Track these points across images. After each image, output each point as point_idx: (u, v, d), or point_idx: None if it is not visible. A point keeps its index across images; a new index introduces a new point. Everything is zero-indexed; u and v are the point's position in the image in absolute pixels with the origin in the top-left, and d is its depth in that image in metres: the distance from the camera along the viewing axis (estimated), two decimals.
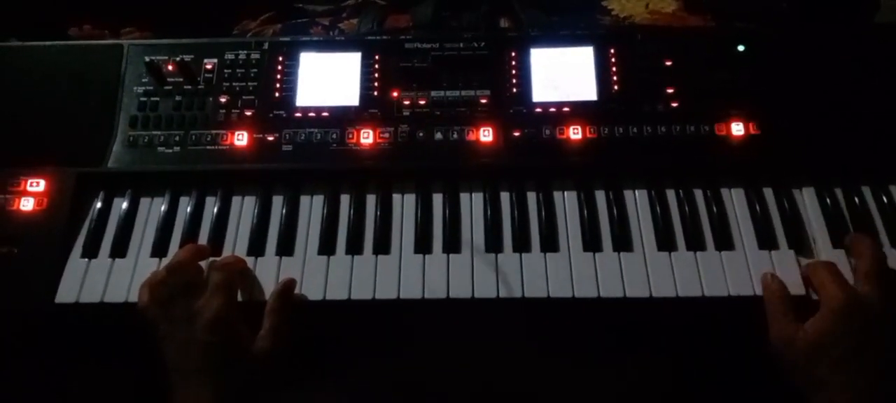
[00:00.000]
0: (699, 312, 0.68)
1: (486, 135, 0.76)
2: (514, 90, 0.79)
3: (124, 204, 0.75)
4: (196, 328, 0.60)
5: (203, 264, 0.68)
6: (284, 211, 0.74)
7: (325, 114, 0.77)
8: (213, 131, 0.76)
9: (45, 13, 0.98)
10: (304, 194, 0.75)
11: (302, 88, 0.79)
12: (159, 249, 0.72)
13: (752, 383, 0.76)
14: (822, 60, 0.80)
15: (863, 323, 0.60)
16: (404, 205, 0.74)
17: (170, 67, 0.80)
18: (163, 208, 0.74)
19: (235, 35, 1.02)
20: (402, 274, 0.69)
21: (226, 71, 0.80)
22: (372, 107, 0.78)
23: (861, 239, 0.68)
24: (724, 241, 0.71)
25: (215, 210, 0.74)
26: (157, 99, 0.79)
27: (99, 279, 0.69)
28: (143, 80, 0.80)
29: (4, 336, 0.70)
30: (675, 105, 0.77)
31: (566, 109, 0.77)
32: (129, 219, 0.74)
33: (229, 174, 0.76)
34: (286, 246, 0.71)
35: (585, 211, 0.72)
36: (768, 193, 0.74)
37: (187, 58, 0.80)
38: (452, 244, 0.71)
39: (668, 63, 0.79)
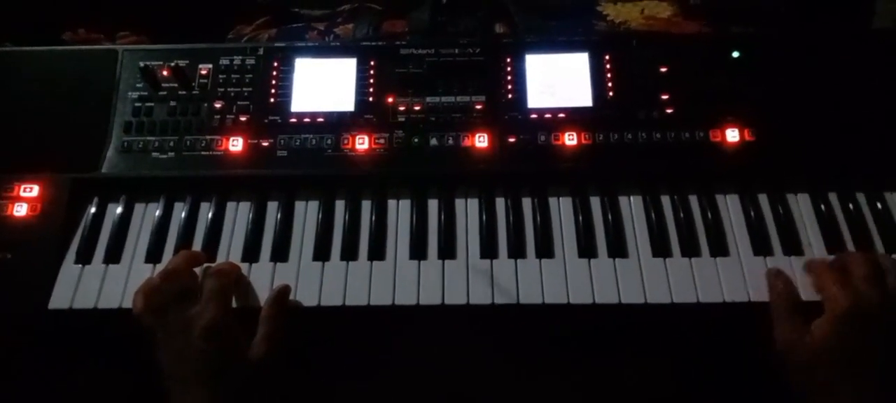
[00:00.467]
0: (694, 318, 0.67)
1: (481, 141, 0.76)
2: (510, 96, 0.79)
3: (118, 210, 0.74)
4: (191, 335, 0.60)
5: (197, 270, 0.67)
6: (279, 217, 0.73)
7: (320, 119, 0.77)
8: (208, 137, 0.76)
9: (41, 17, 0.98)
10: (299, 200, 0.75)
11: (297, 94, 0.79)
12: (153, 255, 0.72)
13: (748, 389, 0.76)
14: (817, 66, 0.80)
15: (868, 326, 0.60)
16: (399, 211, 0.74)
17: (165, 73, 0.79)
18: (157, 214, 0.74)
19: (231, 40, 1.02)
20: (397, 280, 0.69)
21: (221, 76, 0.80)
22: (367, 112, 0.78)
23: (850, 254, 0.68)
24: (719, 247, 0.71)
25: (210, 216, 0.74)
26: (152, 104, 0.78)
27: (93, 285, 0.69)
28: (138, 86, 0.79)
29: None
30: (670, 111, 0.77)
31: (561, 115, 0.77)
32: (123, 225, 0.74)
33: (224, 180, 0.75)
34: (281, 253, 0.71)
35: (580, 217, 0.72)
36: (763, 199, 0.74)
37: (182, 63, 0.80)
38: (448, 250, 0.71)
39: (664, 69, 0.79)
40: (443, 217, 0.73)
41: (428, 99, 0.78)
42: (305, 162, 0.75)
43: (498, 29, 0.99)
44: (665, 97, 0.77)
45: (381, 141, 0.76)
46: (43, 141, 0.77)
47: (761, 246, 0.71)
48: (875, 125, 0.76)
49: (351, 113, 0.78)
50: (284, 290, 0.67)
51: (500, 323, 0.70)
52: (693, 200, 0.74)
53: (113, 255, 0.72)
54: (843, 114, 0.76)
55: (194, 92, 0.79)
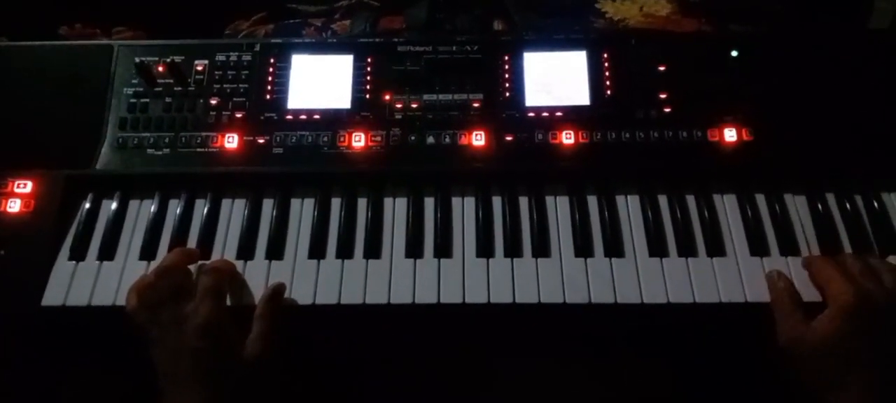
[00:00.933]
0: (690, 318, 0.67)
1: (478, 139, 0.75)
2: (507, 94, 0.78)
3: (113, 207, 0.74)
4: (185, 333, 0.60)
5: (192, 268, 0.67)
6: (274, 214, 0.73)
7: (316, 116, 0.77)
8: (204, 133, 0.76)
9: (36, 12, 0.98)
10: (295, 197, 0.74)
11: (293, 90, 0.78)
12: (148, 252, 0.71)
13: (744, 389, 0.76)
14: (815, 67, 0.80)
15: (872, 318, 0.60)
16: (396, 209, 0.74)
17: (160, 68, 0.79)
18: (152, 211, 0.74)
19: (227, 36, 1.01)
20: (392, 278, 0.69)
21: (217, 72, 0.79)
22: (364, 109, 0.77)
23: (846, 255, 0.68)
24: (716, 247, 0.70)
25: (205, 212, 0.73)
26: (147, 100, 0.78)
27: (86, 282, 0.69)
28: (133, 82, 0.79)
29: None
30: (667, 110, 0.76)
31: (559, 114, 0.77)
32: (117, 222, 0.73)
33: (219, 177, 0.75)
34: (276, 250, 0.71)
35: (577, 217, 0.72)
36: (760, 199, 0.74)
37: (178, 59, 0.79)
38: (444, 249, 0.71)
39: (662, 68, 0.79)
40: (439, 215, 0.73)
41: (425, 96, 0.78)
42: (301, 159, 0.75)
43: (496, 26, 0.98)
44: (663, 96, 0.77)
45: (378, 138, 0.76)
46: (37, 136, 0.77)
47: (758, 247, 0.70)
48: (872, 126, 0.76)
49: (347, 110, 0.77)
50: (279, 288, 0.67)
51: (495, 322, 0.69)
52: (690, 200, 0.74)
53: (107, 252, 0.71)
54: (840, 115, 0.76)
55: (190, 88, 0.79)
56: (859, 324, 0.60)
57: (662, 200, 0.74)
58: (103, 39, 0.95)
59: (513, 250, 0.70)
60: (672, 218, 0.72)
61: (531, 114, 0.77)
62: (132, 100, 0.78)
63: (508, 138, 0.75)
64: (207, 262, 0.69)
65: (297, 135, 0.76)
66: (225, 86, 0.78)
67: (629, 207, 0.73)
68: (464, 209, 0.74)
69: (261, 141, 0.75)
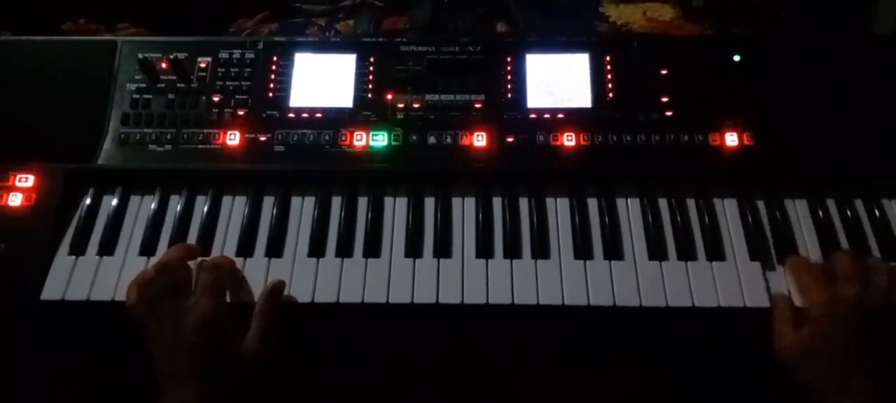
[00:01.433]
0: (689, 322, 0.67)
1: (479, 139, 0.76)
2: (509, 95, 0.78)
3: (114, 202, 0.74)
4: (184, 328, 0.60)
5: (192, 264, 0.67)
6: (275, 212, 0.73)
7: (318, 115, 0.77)
8: (206, 130, 0.76)
9: (40, 7, 0.98)
10: (296, 195, 0.75)
11: (296, 89, 0.79)
12: (148, 248, 0.71)
13: (743, 393, 0.76)
14: (817, 72, 0.79)
15: (853, 324, 0.60)
16: (396, 209, 0.74)
17: (163, 65, 0.79)
18: (152, 206, 0.74)
19: (231, 34, 1.02)
20: (391, 278, 0.69)
21: (219, 70, 0.79)
22: (366, 109, 0.77)
23: (840, 253, 0.68)
24: (716, 252, 0.70)
25: (205, 209, 0.73)
26: (150, 96, 0.78)
27: (86, 276, 0.69)
28: (136, 78, 0.79)
29: None
30: (669, 114, 0.76)
31: (560, 116, 0.77)
32: (118, 217, 0.73)
33: (220, 174, 0.75)
34: (276, 248, 0.71)
35: (577, 219, 0.72)
36: (761, 204, 0.74)
37: (181, 56, 0.80)
38: (443, 249, 0.71)
39: (664, 71, 0.79)
40: (439, 215, 0.73)
41: (427, 96, 0.78)
42: (303, 157, 0.75)
43: (499, 28, 0.99)
44: (665, 99, 0.77)
45: (380, 138, 0.76)
46: (39, 131, 0.77)
47: (758, 252, 0.70)
48: (874, 132, 0.75)
49: (349, 109, 0.77)
50: (278, 286, 0.67)
51: (493, 323, 0.69)
52: (690, 204, 0.74)
53: (107, 247, 0.71)
54: (842, 121, 0.76)
55: (193, 85, 0.79)
56: (839, 330, 0.60)
57: (663, 203, 0.74)
58: (107, 35, 0.95)
59: (512, 251, 0.70)
60: (672, 222, 0.72)
61: (533, 116, 0.77)
62: (135, 96, 0.78)
63: (510, 139, 0.76)
64: (207, 259, 0.69)
65: (299, 133, 0.76)
66: (227, 83, 0.79)
67: (629, 210, 0.73)
68: (464, 209, 0.74)
69: (262, 138, 0.76)
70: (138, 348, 0.61)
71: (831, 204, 0.74)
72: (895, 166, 0.75)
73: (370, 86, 0.79)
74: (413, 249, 0.71)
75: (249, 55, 0.80)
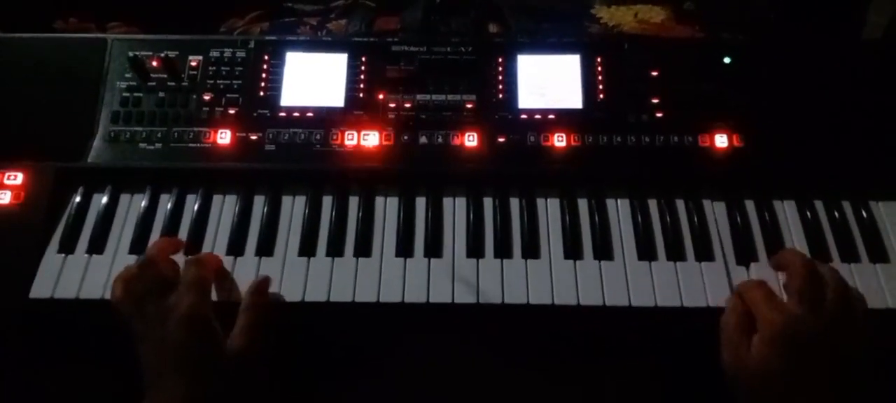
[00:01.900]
0: (677, 322, 0.68)
1: (470, 140, 0.76)
2: (500, 96, 0.79)
3: (103, 200, 0.74)
4: (169, 324, 0.60)
5: (177, 258, 0.67)
6: (266, 211, 0.73)
7: (309, 114, 0.77)
8: (196, 129, 0.76)
9: (31, 5, 0.97)
10: (286, 194, 0.75)
11: (287, 88, 0.79)
12: (138, 246, 0.71)
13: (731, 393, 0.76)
14: (807, 75, 0.80)
15: (802, 343, 0.59)
16: (387, 209, 0.74)
17: (154, 63, 0.79)
18: (142, 205, 0.74)
19: (223, 33, 1.01)
20: (382, 277, 0.69)
21: (210, 68, 0.79)
22: (357, 108, 0.78)
23: (788, 254, 0.67)
24: (705, 252, 0.71)
25: (195, 208, 0.73)
26: (140, 95, 0.78)
27: (75, 275, 0.69)
28: (127, 76, 0.79)
29: None
30: (659, 115, 0.77)
31: (551, 117, 0.77)
32: (107, 215, 0.73)
33: (211, 172, 0.75)
34: (266, 247, 0.71)
35: (567, 219, 0.72)
36: (750, 205, 0.74)
37: (172, 54, 0.79)
38: (434, 248, 0.71)
39: (654, 73, 0.79)
40: (430, 215, 0.73)
41: (418, 96, 0.78)
42: (293, 156, 0.75)
43: (491, 29, 0.99)
44: (655, 101, 0.78)
45: (371, 137, 0.76)
46: (29, 129, 0.77)
47: (746, 253, 0.71)
48: (862, 135, 0.76)
49: (340, 108, 0.77)
50: (265, 282, 0.67)
51: (484, 323, 0.69)
52: (680, 205, 0.74)
53: (97, 245, 0.71)
54: (830, 124, 0.77)
55: (183, 83, 0.79)
56: (789, 352, 0.58)
57: (652, 204, 0.74)
58: (97, 33, 0.95)
59: (503, 251, 0.71)
60: (661, 223, 0.73)
61: (524, 117, 0.77)
62: (125, 95, 0.78)
63: (501, 140, 0.76)
64: (193, 256, 0.68)
65: (290, 132, 0.76)
66: (218, 82, 0.79)
67: (619, 211, 0.74)
68: (455, 209, 0.74)
69: (253, 137, 0.76)
70: (127, 345, 0.61)
71: (819, 205, 0.75)
72: (882, 168, 0.75)
73: (361, 86, 0.79)
74: (404, 249, 0.71)
75: (240, 54, 0.80)
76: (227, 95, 0.78)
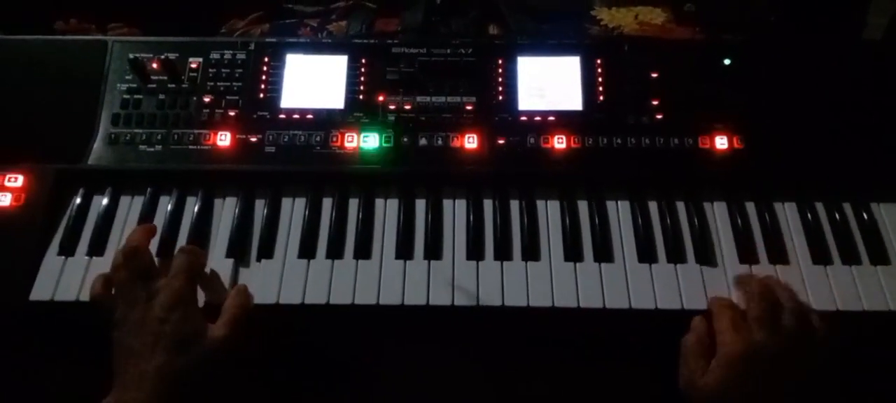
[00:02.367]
0: (678, 324, 0.67)
1: (470, 141, 0.76)
2: (500, 98, 0.79)
3: (104, 202, 0.74)
4: (154, 304, 0.60)
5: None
6: (266, 213, 0.73)
7: (309, 116, 0.77)
8: (196, 131, 0.76)
9: (31, 6, 0.97)
10: (286, 196, 0.75)
11: (287, 90, 0.79)
12: None
13: None
14: (807, 76, 0.80)
15: (758, 369, 0.59)
16: (387, 211, 0.74)
17: (154, 65, 0.79)
18: (143, 207, 0.74)
19: (224, 34, 1.01)
20: (382, 279, 0.69)
21: (210, 70, 0.79)
22: (357, 110, 0.78)
23: (747, 280, 0.67)
24: (705, 254, 0.71)
25: (195, 210, 0.73)
26: (141, 97, 0.78)
27: (75, 277, 0.69)
28: (127, 78, 0.79)
29: None
30: (659, 117, 0.77)
31: (551, 118, 0.77)
32: (107, 218, 0.73)
33: (211, 174, 0.75)
34: (266, 249, 0.71)
35: (568, 221, 0.72)
36: (750, 207, 0.74)
37: (172, 56, 0.79)
38: (434, 250, 0.71)
39: (654, 75, 0.79)
40: (430, 217, 0.73)
41: (418, 98, 0.78)
42: (293, 158, 0.75)
43: (491, 31, 0.99)
44: (655, 103, 0.78)
45: (371, 139, 0.76)
46: (29, 130, 0.77)
47: (747, 255, 0.71)
48: (863, 136, 0.76)
49: (340, 110, 0.77)
50: (246, 287, 0.67)
51: (483, 325, 0.69)
52: (680, 206, 0.74)
53: (96, 248, 0.71)
54: (831, 125, 0.77)
55: (184, 85, 0.79)
56: (743, 377, 0.59)
57: (652, 206, 0.74)
58: (98, 35, 0.95)
59: (503, 253, 0.70)
60: (662, 225, 0.73)
61: (524, 118, 0.77)
62: (125, 96, 0.78)
63: (500, 141, 0.76)
64: (184, 246, 0.68)
65: (290, 134, 0.76)
66: (219, 83, 0.79)
67: (619, 213, 0.74)
68: (455, 211, 0.74)
69: (253, 139, 0.76)
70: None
71: (820, 207, 0.74)
72: (883, 170, 0.75)
73: (361, 88, 0.79)
74: (404, 251, 0.71)
75: (241, 56, 0.80)
76: (228, 97, 0.78)
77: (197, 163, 0.74)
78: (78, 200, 0.74)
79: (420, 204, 0.74)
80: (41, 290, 0.68)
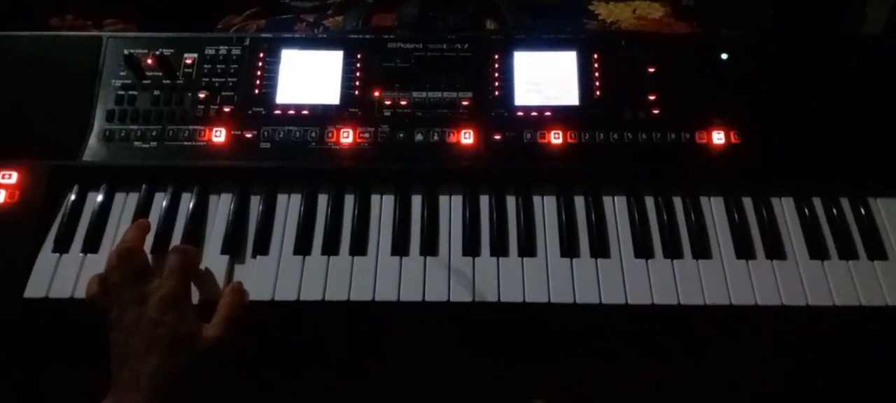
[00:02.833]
0: (675, 320, 0.67)
1: (466, 137, 0.75)
2: (497, 93, 0.78)
3: (98, 199, 0.73)
4: (147, 306, 0.60)
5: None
6: (261, 209, 0.73)
7: (304, 112, 0.77)
8: (191, 127, 0.76)
9: (27, 2, 0.97)
10: (281, 193, 0.74)
11: (282, 85, 0.78)
12: None
13: (728, 390, 0.76)
14: (804, 71, 0.80)
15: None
16: (382, 207, 0.73)
17: (149, 61, 0.79)
18: (137, 204, 0.73)
19: (220, 30, 1.01)
20: (378, 275, 0.69)
21: (205, 66, 0.79)
22: (353, 106, 0.77)
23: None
24: (702, 250, 0.70)
25: (191, 206, 0.73)
26: (135, 93, 0.78)
27: (70, 274, 0.68)
28: (122, 74, 0.79)
29: None
30: (656, 112, 0.77)
31: (548, 113, 0.77)
32: (102, 214, 0.73)
33: (206, 171, 0.75)
34: (262, 246, 0.71)
35: (564, 217, 0.72)
36: (747, 202, 0.74)
37: (167, 52, 0.79)
38: (430, 247, 0.70)
39: (651, 69, 0.79)
40: (426, 213, 0.72)
41: (414, 93, 0.78)
42: (289, 154, 0.74)
43: (488, 25, 0.98)
44: (652, 98, 0.77)
45: (366, 135, 0.75)
46: (24, 127, 0.77)
47: (744, 250, 0.71)
48: (860, 131, 0.76)
49: (336, 106, 0.77)
50: (242, 285, 0.67)
51: (479, 321, 0.69)
52: (677, 202, 0.74)
53: (91, 245, 0.71)
54: (828, 120, 0.77)
55: (179, 81, 0.78)
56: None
57: (649, 201, 0.74)
58: (94, 31, 0.95)
59: (499, 249, 0.70)
60: (658, 220, 0.72)
61: (520, 114, 0.77)
62: (120, 93, 0.78)
63: (497, 137, 0.75)
64: (177, 245, 0.68)
65: (285, 130, 0.75)
66: (213, 79, 0.78)
67: (616, 208, 0.73)
68: (451, 207, 0.74)
69: (248, 135, 0.75)
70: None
71: (817, 202, 0.74)
72: (881, 165, 0.75)
73: (357, 84, 0.78)
74: (400, 247, 0.70)
75: (236, 51, 0.80)
76: (223, 93, 0.77)
77: (192, 159, 0.74)
78: (72, 197, 0.73)
79: (416, 200, 0.74)
80: (36, 288, 0.67)
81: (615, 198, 0.74)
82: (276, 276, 0.68)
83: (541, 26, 0.97)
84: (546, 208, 0.73)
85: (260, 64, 0.79)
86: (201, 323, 0.62)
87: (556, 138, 0.75)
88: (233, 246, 0.71)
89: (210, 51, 0.80)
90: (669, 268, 0.69)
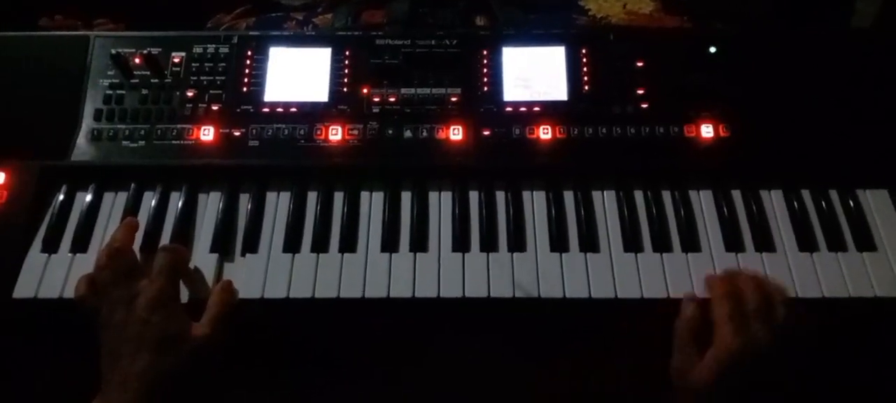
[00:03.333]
0: (664, 314, 0.67)
1: (455, 133, 0.75)
2: (486, 89, 0.78)
3: (87, 198, 0.73)
4: (136, 305, 0.60)
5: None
6: (250, 207, 0.73)
7: (293, 109, 0.77)
8: (180, 125, 0.75)
9: (15, 2, 0.97)
10: (271, 191, 0.74)
11: (270, 83, 0.78)
12: None
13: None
14: (793, 64, 0.80)
15: (754, 366, 0.59)
16: (372, 204, 0.73)
17: (137, 60, 0.78)
18: (126, 203, 0.73)
19: (210, 29, 1.01)
20: (368, 272, 0.69)
21: (194, 64, 0.79)
22: (341, 103, 0.77)
23: (745, 279, 0.64)
24: (691, 243, 0.71)
25: (180, 205, 0.73)
26: (123, 92, 0.77)
27: (59, 274, 0.68)
28: (110, 73, 0.78)
29: None
30: (645, 106, 0.77)
31: (537, 109, 0.77)
32: (91, 214, 0.72)
33: (195, 169, 0.74)
34: (251, 243, 0.71)
35: (553, 212, 0.72)
36: (736, 195, 0.74)
37: (155, 51, 0.79)
38: (420, 243, 0.70)
39: (640, 64, 0.79)
40: (415, 210, 0.72)
41: (403, 90, 0.78)
42: (277, 152, 0.74)
43: (478, 22, 0.98)
44: (640, 92, 0.77)
45: (355, 132, 0.75)
46: (11, 127, 0.76)
47: (733, 243, 0.71)
48: (848, 123, 0.76)
49: (325, 103, 0.77)
50: (231, 284, 0.67)
51: (470, 317, 0.69)
52: (666, 196, 0.74)
53: (80, 245, 0.70)
54: (817, 112, 0.77)
55: (167, 80, 0.78)
56: (739, 371, 0.58)
57: (638, 196, 0.74)
58: (83, 31, 0.94)
59: (489, 245, 0.70)
60: (648, 214, 0.73)
61: (509, 109, 0.77)
62: (108, 92, 0.77)
63: (486, 133, 0.75)
64: (166, 245, 0.68)
65: (274, 128, 0.75)
66: (202, 78, 0.78)
67: (605, 203, 0.73)
68: (440, 203, 0.74)
69: (237, 133, 0.75)
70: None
71: (806, 195, 0.74)
72: (869, 157, 0.75)
73: (346, 81, 0.78)
74: (389, 244, 0.70)
75: (224, 50, 0.79)
76: (211, 91, 0.77)
77: (180, 158, 0.74)
78: (61, 197, 0.73)
79: (405, 197, 0.74)
80: (24, 288, 0.67)
81: (604, 192, 0.74)
82: (265, 274, 0.68)
83: (530, 22, 0.97)
84: (535, 203, 0.73)
85: (248, 62, 0.79)
86: (191, 322, 0.62)
87: (545, 134, 0.75)
88: (222, 245, 0.70)
89: (198, 49, 0.79)
90: (659, 262, 0.69)
